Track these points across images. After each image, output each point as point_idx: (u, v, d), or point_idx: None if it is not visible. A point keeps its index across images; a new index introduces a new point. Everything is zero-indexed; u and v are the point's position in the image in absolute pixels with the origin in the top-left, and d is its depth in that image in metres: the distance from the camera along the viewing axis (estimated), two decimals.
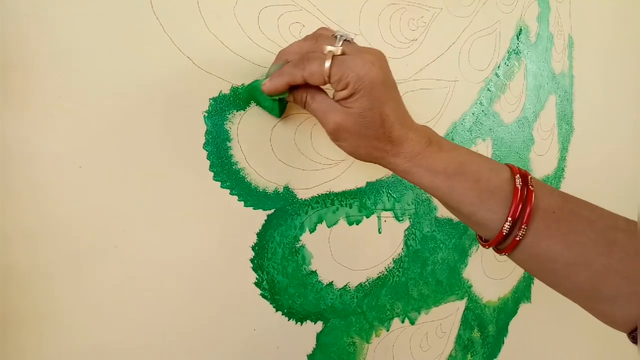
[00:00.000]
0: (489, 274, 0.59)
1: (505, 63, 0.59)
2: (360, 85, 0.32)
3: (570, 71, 0.69)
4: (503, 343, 0.62)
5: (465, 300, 0.57)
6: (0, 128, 0.31)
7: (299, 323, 0.44)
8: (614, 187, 0.77)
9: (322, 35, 0.35)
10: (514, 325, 0.63)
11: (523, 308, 0.64)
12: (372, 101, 0.32)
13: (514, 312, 0.63)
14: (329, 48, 0.33)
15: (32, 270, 0.32)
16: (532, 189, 0.33)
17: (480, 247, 0.55)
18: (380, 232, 0.49)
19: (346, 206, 0.46)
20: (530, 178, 0.34)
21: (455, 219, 0.54)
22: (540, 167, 0.65)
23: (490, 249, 0.36)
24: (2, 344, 0.31)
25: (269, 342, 0.43)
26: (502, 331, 0.62)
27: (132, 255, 0.36)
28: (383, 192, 0.49)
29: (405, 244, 0.51)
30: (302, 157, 0.43)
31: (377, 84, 0.32)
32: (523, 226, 0.33)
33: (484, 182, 0.34)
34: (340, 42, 0.33)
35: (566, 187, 0.69)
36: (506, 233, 0.33)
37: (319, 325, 0.45)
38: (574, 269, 0.32)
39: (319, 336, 0.45)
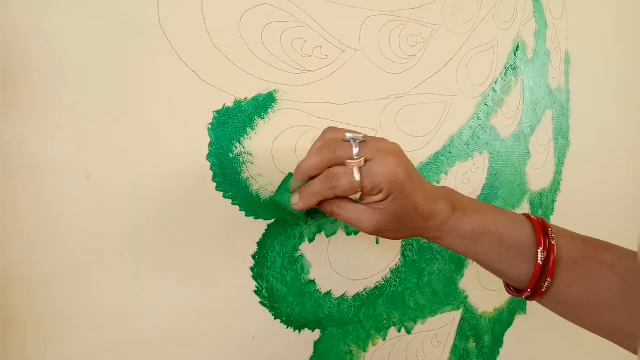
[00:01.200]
0: (485, 285, 0.60)
1: (502, 78, 0.61)
2: (392, 188, 0.33)
3: (567, 86, 0.71)
4: (498, 354, 0.63)
5: (461, 310, 0.58)
6: (5, 137, 0.32)
7: (296, 331, 0.45)
8: (609, 201, 0.78)
9: (335, 142, 0.35)
10: (509, 336, 0.64)
11: (518, 319, 0.65)
12: (404, 198, 0.34)
13: (509, 322, 0.64)
14: (351, 163, 0.34)
15: (36, 276, 0.33)
16: (552, 242, 0.36)
17: None
18: (377, 243, 0.50)
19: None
20: (550, 229, 0.36)
21: None
22: (536, 180, 0.66)
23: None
24: (4, 348, 0.32)
25: (267, 349, 0.44)
26: (498, 342, 0.63)
27: (135, 262, 0.37)
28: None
29: (402, 254, 0.52)
30: None
31: (406, 182, 0.34)
32: (547, 279, 0.35)
33: (505, 239, 0.36)
34: (357, 149, 0.34)
35: (562, 200, 0.70)
36: (534, 285, 0.36)
37: (317, 333, 0.46)
38: (598, 311, 0.35)
39: (316, 344, 0.46)
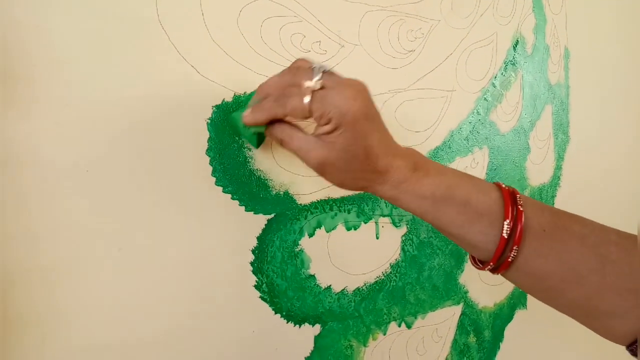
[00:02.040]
0: (485, 280, 0.60)
1: (501, 73, 0.61)
2: (343, 120, 0.31)
3: (567, 82, 0.71)
4: (499, 348, 0.63)
5: (461, 305, 0.58)
6: (6, 134, 0.32)
7: (297, 326, 0.45)
8: (609, 195, 0.78)
9: (300, 68, 0.34)
10: (509, 330, 0.64)
11: (519, 314, 0.65)
12: (355, 135, 0.32)
13: (509, 317, 0.64)
14: (307, 84, 0.32)
15: (36, 273, 0.33)
16: (521, 208, 0.33)
17: None
18: (377, 238, 0.50)
19: (345, 212, 0.47)
20: (519, 196, 0.34)
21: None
22: (537, 175, 0.66)
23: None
24: (5, 345, 0.33)
25: (267, 344, 0.44)
26: (498, 336, 0.63)
27: (135, 258, 0.37)
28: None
29: (403, 249, 0.52)
30: (302, 163, 0.45)
31: (360, 118, 0.32)
32: (514, 247, 0.33)
33: (472, 204, 0.34)
34: (319, 76, 0.32)
35: (562, 195, 0.70)
36: (500, 255, 0.33)
37: (317, 328, 0.46)
38: (567, 286, 0.32)
39: (316, 339, 0.46)
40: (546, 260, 0.33)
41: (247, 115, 0.35)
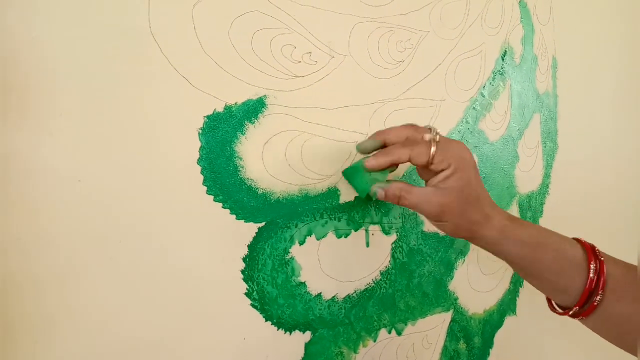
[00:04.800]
0: (475, 287, 0.61)
1: (490, 83, 0.62)
2: (461, 164, 0.37)
3: (555, 90, 0.72)
4: (489, 355, 0.63)
5: (451, 312, 0.59)
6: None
7: (287, 333, 0.45)
8: (598, 202, 0.79)
9: (416, 125, 0.41)
10: (499, 337, 0.65)
11: (508, 320, 0.66)
12: (469, 179, 0.38)
13: (499, 324, 0.65)
14: (428, 136, 0.38)
15: (28, 281, 0.34)
16: (602, 259, 0.38)
17: (467, 261, 0.57)
18: (368, 245, 0.51)
19: (335, 220, 0.48)
20: (598, 250, 0.39)
21: (441, 232, 0.56)
22: (525, 183, 0.67)
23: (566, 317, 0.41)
24: None
25: (258, 352, 0.44)
26: (488, 343, 0.63)
27: (126, 266, 0.37)
28: (371, 206, 0.51)
29: (393, 256, 0.53)
30: (293, 172, 0.45)
31: (473, 165, 0.38)
32: (600, 292, 0.37)
33: (562, 252, 0.39)
34: (435, 132, 0.39)
35: (551, 202, 0.71)
36: (586, 299, 0.38)
37: (308, 335, 0.47)
38: None
39: (307, 346, 0.47)
40: (626, 304, 0.37)
41: (370, 161, 0.39)
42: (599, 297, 0.37)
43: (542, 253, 0.39)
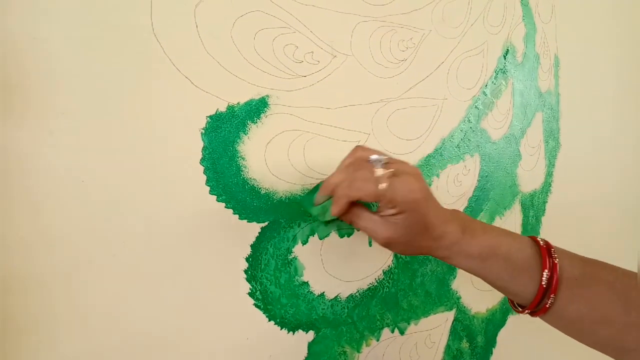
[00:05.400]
0: (478, 286, 0.61)
1: (492, 82, 0.62)
2: (407, 207, 0.37)
3: (557, 89, 0.72)
4: (491, 354, 0.63)
5: (454, 311, 0.59)
6: (0, 142, 0.33)
7: (291, 332, 0.45)
8: (600, 202, 0.79)
9: (363, 162, 0.39)
10: (502, 336, 0.64)
11: (511, 319, 0.66)
12: (416, 217, 0.37)
13: (502, 323, 0.65)
14: (378, 172, 0.37)
15: (31, 281, 0.34)
16: (556, 260, 0.38)
17: None
18: (370, 245, 0.51)
19: (337, 219, 0.48)
20: (554, 250, 0.39)
21: None
22: (528, 182, 0.67)
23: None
24: (1, 352, 0.33)
25: (261, 351, 0.44)
26: (491, 342, 0.63)
27: (129, 266, 0.37)
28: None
29: (395, 256, 0.53)
30: (295, 172, 0.45)
31: (422, 203, 0.37)
32: (551, 295, 0.37)
33: (513, 260, 0.39)
34: (384, 166, 0.38)
35: (553, 201, 0.71)
36: (538, 302, 0.38)
37: (311, 334, 0.47)
38: (598, 327, 0.37)
39: (310, 345, 0.47)
40: (578, 305, 0.37)
41: (334, 209, 0.39)
42: (550, 300, 0.37)
43: (490, 264, 0.39)
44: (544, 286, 0.37)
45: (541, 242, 0.40)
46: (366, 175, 0.37)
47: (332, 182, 0.39)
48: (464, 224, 0.40)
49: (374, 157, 0.39)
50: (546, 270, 0.37)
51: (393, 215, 0.37)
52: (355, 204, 0.40)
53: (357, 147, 0.41)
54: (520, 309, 0.41)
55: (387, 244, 0.39)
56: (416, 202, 0.37)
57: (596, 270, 0.39)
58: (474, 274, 0.41)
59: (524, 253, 0.39)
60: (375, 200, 0.37)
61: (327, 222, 0.46)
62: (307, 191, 0.45)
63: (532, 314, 0.40)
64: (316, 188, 0.42)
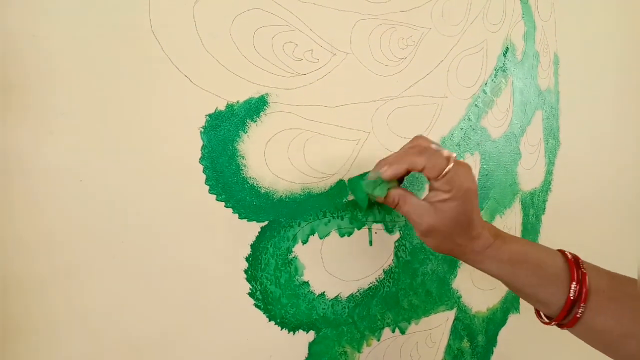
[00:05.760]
0: (478, 285, 0.61)
1: (492, 80, 0.61)
2: (463, 194, 0.37)
3: (556, 87, 0.72)
4: (492, 353, 0.63)
5: (454, 310, 0.58)
6: (0, 141, 0.32)
7: (291, 332, 0.45)
8: (600, 199, 0.79)
9: (426, 148, 0.39)
10: (503, 335, 0.64)
11: (512, 318, 0.66)
12: (465, 207, 0.38)
13: (503, 322, 0.65)
14: (449, 154, 0.38)
15: (30, 281, 0.33)
16: (584, 271, 0.38)
17: None
18: (371, 244, 0.50)
19: (338, 218, 0.48)
20: (582, 261, 0.40)
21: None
22: (528, 180, 0.67)
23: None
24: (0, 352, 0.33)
25: (262, 351, 0.44)
26: (492, 341, 0.63)
27: (128, 265, 0.37)
28: (374, 204, 0.50)
29: (396, 255, 0.52)
30: (295, 171, 0.45)
31: (473, 194, 0.38)
32: (582, 305, 0.38)
33: (543, 268, 0.39)
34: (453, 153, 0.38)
35: (553, 199, 0.71)
36: (567, 312, 0.38)
37: (311, 334, 0.46)
38: (626, 340, 0.37)
39: (310, 345, 0.46)
40: (605, 317, 0.38)
41: (387, 171, 0.39)
42: (580, 309, 0.38)
43: (520, 269, 0.40)
44: (572, 298, 0.38)
45: (569, 255, 0.40)
46: (437, 151, 0.38)
47: (391, 159, 0.39)
48: (495, 230, 0.42)
49: (434, 145, 0.39)
50: (574, 282, 0.38)
51: (444, 200, 0.37)
52: (404, 188, 0.40)
53: (418, 136, 0.41)
54: (547, 321, 0.41)
55: (427, 233, 0.39)
56: (470, 192, 0.37)
57: (622, 284, 0.39)
58: (503, 280, 0.41)
59: (553, 262, 0.40)
60: (435, 177, 0.37)
61: (368, 207, 0.45)
62: (309, 189, 0.45)
63: (560, 325, 0.40)
64: (364, 174, 0.42)
